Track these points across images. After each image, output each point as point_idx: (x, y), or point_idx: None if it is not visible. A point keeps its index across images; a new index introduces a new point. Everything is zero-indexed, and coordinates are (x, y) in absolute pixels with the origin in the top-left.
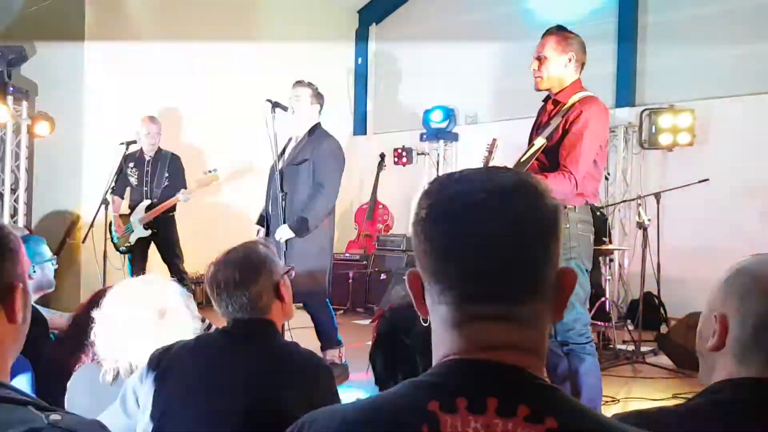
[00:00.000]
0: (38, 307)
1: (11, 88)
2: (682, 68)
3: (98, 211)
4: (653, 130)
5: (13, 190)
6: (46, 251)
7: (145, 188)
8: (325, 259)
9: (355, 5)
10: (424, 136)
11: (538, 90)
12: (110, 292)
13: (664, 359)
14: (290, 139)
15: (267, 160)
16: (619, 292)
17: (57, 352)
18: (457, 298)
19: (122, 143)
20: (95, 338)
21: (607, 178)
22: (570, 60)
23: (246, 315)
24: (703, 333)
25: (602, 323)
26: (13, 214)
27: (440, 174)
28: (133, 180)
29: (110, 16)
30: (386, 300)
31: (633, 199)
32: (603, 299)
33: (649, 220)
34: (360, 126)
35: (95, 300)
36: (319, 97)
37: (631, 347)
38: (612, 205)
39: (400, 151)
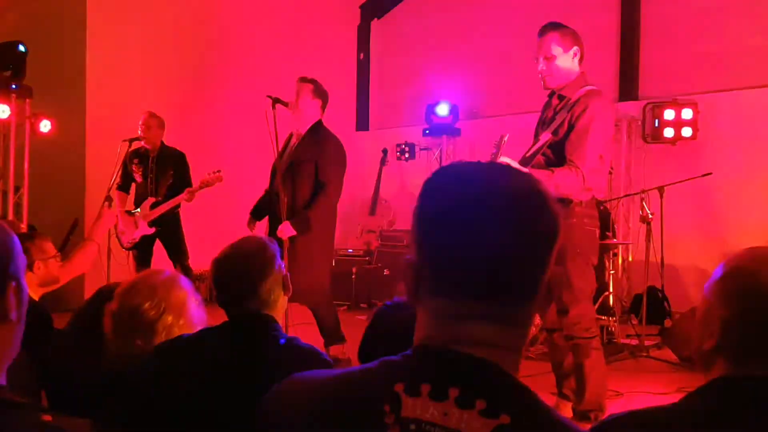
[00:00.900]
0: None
1: (14, 86)
2: (684, 62)
3: (102, 207)
4: (656, 124)
5: (17, 188)
6: (50, 248)
7: (150, 185)
8: (326, 256)
9: (356, 0)
10: (427, 132)
11: (547, 89)
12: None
13: (668, 353)
14: (291, 135)
15: (269, 156)
16: (623, 287)
17: (61, 348)
18: (448, 293)
19: (125, 140)
20: None
21: (610, 173)
22: (575, 54)
23: (253, 309)
24: (700, 332)
25: (606, 317)
26: (17, 212)
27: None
28: (137, 177)
29: (112, 12)
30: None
31: (636, 193)
32: (606, 294)
33: (652, 214)
34: (362, 121)
35: (104, 294)
36: (320, 93)
37: (635, 341)
38: (615, 199)
39: (402, 146)
